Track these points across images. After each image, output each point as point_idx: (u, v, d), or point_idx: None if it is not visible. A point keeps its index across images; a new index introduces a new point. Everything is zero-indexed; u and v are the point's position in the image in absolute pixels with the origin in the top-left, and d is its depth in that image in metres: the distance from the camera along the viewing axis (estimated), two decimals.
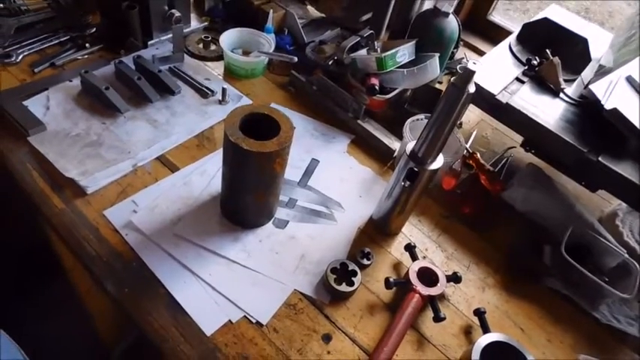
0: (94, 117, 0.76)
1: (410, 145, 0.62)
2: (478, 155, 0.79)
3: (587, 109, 0.74)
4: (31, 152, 0.70)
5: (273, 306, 0.59)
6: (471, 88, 0.52)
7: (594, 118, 0.70)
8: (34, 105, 0.75)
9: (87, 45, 0.88)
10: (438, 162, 0.61)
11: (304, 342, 0.57)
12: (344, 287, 0.61)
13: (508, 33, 0.93)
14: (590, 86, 0.71)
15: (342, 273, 0.63)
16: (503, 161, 0.85)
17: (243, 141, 0.55)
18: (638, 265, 0.67)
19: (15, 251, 1.26)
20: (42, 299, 1.32)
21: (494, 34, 1.12)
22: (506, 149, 0.87)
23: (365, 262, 0.65)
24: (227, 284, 0.60)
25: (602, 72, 0.75)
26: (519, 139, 0.82)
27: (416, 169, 0.61)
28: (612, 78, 0.72)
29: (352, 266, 0.63)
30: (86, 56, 0.87)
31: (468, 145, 0.83)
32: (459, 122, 0.91)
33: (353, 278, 0.62)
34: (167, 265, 0.60)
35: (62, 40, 0.88)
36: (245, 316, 0.58)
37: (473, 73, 0.50)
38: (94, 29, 0.91)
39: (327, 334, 0.58)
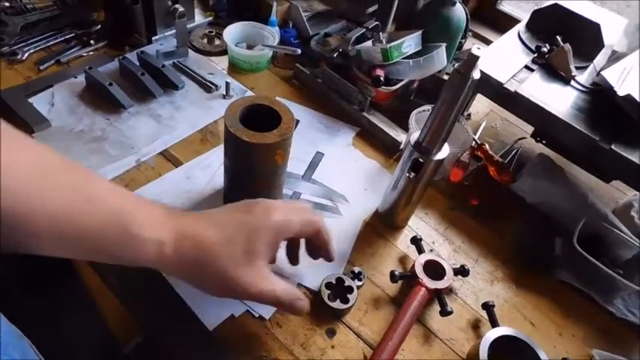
0: (98, 113, 0.76)
1: (414, 136, 0.60)
2: (487, 146, 0.78)
3: (600, 96, 0.72)
4: None
5: None
6: (476, 75, 0.50)
7: (607, 106, 0.68)
8: (40, 102, 0.76)
9: (92, 42, 0.88)
10: (444, 152, 0.59)
11: (308, 336, 0.56)
12: (337, 304, 0.58)
13: (518, 22, 0.90)
14: (603, 73, 0.69)
15: (338, 288, 0.59)
16: (513, 152, 0.83)
17: (243, 133, 0.55)
18: None
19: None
20: (55, 298, 1.34)
21: (504, 24, 1.09)
22: (516, 140, 0.85)
23: (357, 282, 0.61)
24: None
25: (615, 58, 0.73)
26: (530, 129, 0.80)
27: (421, 159, 0.59)
28: (626, 64, 0.70)
29: (349, 282, 0.59)
30: (91, 53, 0.87)
31: (476, 137, 0.82)
32: (467, 114, 0.89)
33: (349, 295, 0.58)
34: None
35: (67, 37, 0.88)
36: (248, 310, 0.57)
37: (477, 58, 0.49)
38: (99, 26, 0.91)
39: (331, 328, 0.57)
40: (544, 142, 0.78)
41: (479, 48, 0.49)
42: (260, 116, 0.58)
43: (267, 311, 0.57)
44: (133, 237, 0.40)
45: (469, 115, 0.90)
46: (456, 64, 0.52)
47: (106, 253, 0.41)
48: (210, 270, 0.44)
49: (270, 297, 0.47)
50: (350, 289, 0.59)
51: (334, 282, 0.60)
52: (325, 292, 0.59)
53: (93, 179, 0.42)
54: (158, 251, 0.42)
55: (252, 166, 0.59)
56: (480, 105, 0.94)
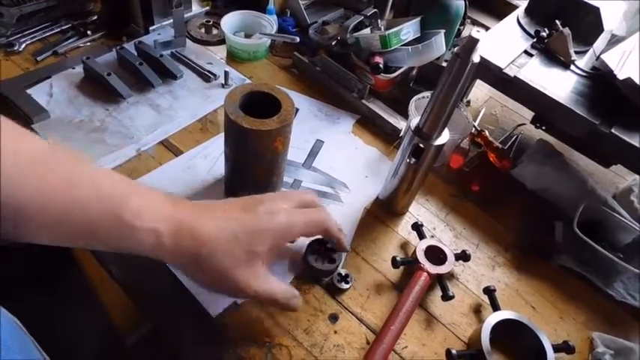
0: (97, 103, 0.76)
1: (414, 121, 0.60)
2: (486, 133, 0.78)
3: (600, 80, 0.71)
4: None
5: None
6: (476, 58, 0.50)
7: (607, 90, 0.68)
8: (38, 93, 0.75)
9: (89, 32, 0.88)
10: (444, 137, 0.59)
11: (310, 322, 0.56)
12: (326, 266, 0.59)
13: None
14: (602, 56, 0.68)
15: (323, 252, 0.60)
16: (513, 138, 0.83)
17: (243, 119, 0.54)
18: None
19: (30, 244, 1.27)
20: (58, 290, 1.34)
21: (503, 11, 1.09)
22: (516, 126, 0.85)
23: (343, 285, 0.60)
24: None
25: (614, 41, 0.72)
26: (529, 116, 0.80)
27: (421, 145, 0.59)
28: (625, 47, 0.70)
29: (332, 244, 0.59)
30: (88, 44, 0.87)
31: (476, 123, 0.81)
32: (466, 100, 0.89)
33: (334, 255, 0.59)
34: None
35: (64, 28, 0.88)
36: None
37: (477, 41, 0.49)
38: (96, 17, 0.90)
39: (333, 314, 0.58)
40: (544, 128, 0.78)
41: (478, 31, 0.49)
42: (260, 104, 0.58)
43: None
44: (126, 226, 0.39)
45: (469, 101, 0.90)
46: (455, 48, 0.52)
47: (102, 241, 0.40)
48: (208, 265, 0.43)
49: (267, 297, 0.47)
50: (334, 250, 0.59)
51: (317, 246, 0.60)
52: (312, 257, 0.59)
53: (87, 166, 0.40)
54: (155, 241, 0.41)
55: (252, 153, 0.59)
56: (480, 92, 0.94)
